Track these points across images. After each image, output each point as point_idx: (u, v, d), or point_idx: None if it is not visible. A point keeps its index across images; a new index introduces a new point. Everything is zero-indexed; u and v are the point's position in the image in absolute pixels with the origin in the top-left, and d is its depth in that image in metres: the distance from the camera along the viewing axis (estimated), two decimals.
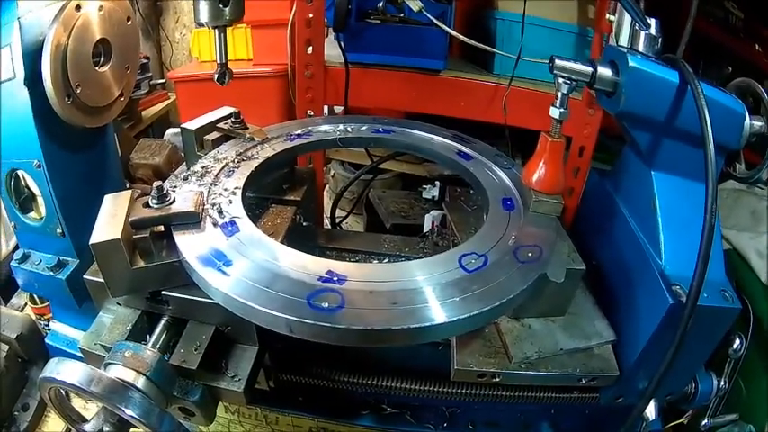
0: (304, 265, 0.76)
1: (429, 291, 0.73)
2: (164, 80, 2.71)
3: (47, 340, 1.10)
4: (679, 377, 1.02)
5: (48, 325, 1.18)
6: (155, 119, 2.60)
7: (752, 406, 1.24)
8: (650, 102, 0.92)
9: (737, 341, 1.15)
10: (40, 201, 1.02)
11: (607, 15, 1.18)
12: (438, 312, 0.70)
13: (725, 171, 1.08)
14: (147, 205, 0.86)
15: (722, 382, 1.11)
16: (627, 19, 1.14)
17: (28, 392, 1.19)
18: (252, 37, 1.81)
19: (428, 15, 1.15)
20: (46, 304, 1.26)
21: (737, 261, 1.27)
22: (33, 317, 1.28)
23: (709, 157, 0.83)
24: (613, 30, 1.18)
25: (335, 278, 0.74)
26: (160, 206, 0.85)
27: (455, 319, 0.70)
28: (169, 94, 2.76)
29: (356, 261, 1.08)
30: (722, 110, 0.95)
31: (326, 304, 0.70)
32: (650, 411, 0.98)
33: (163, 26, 3.19)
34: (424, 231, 1.18)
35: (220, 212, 0.85)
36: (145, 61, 2.28)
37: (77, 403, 1.05)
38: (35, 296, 1.31)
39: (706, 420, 1.16)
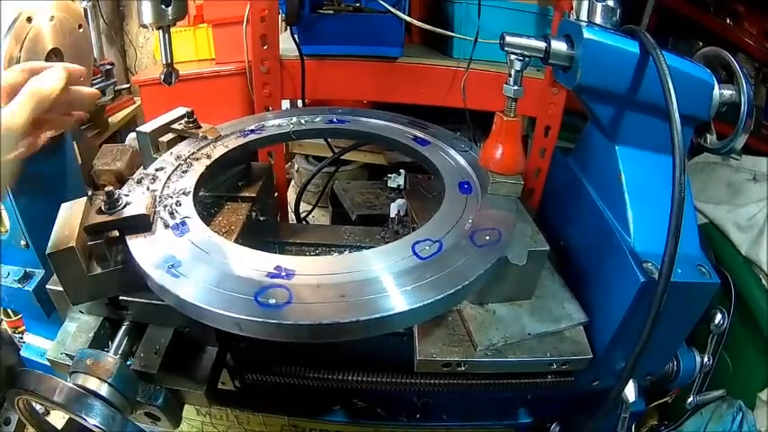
0: (252, 261, 0.72)
1: (380, 281, 0.68)
2: (128, 85, 2.64)
3: (21, 353, 1.06)
4: (658, 356, 0.96)
5: (22, 338, 1.15)
6: (122, 125, 2.53)
7: (739, 381, 1.17)
8: (609, 74, 0.87)
9: (719, 316, 1.09)
10: (4, 213, 0.99)
11: None
12: (389, 302, 0.66)
13: (696, 143, 1.02)
14: (100, 211, 0.83)
15: (706, 359, 1.05)
16: None
17: (9, 406, 1.16)
18: (213, 36, 1.76)
19: (382, 3, 1.09)
20: (19, 317, 1.23)
21: (716, 234, 1.21)
22: (9, 330, 1.25)
23: (674, 127, 0.78)
24: (574, 7, 1.12)
25: (284, 273, 0.70)
26: (112, 211, 0.81)
27: (408, 308, 0.66)
28: (135, 98, 2.68)
29: (316, 254, 1.03)
30: (689, 79, 0.89)
31: (274, 300, 0.66)
32: (630, 393, 0.92)
33: (126, 31, 3.13)
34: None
35: (171, 213, 0.81)
36: (109, 67, 2.21)
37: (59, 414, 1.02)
38: (8, 310, 1.28)
39: (691, 398, 1.09)
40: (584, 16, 1.08)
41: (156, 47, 2.02)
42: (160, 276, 0.72)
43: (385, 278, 0.69)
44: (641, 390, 0.97)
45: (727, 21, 1.47)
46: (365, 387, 0.83)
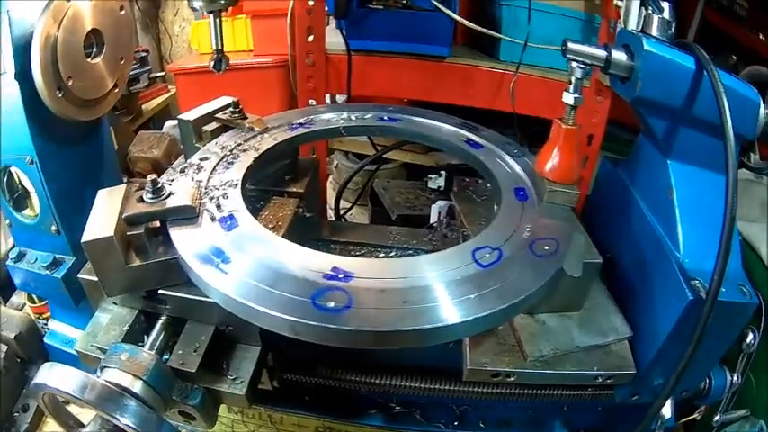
0: (307, 261, 0.68)
1: (442, 288, 0.65)
2: (163, 73, 2.58)
3: (45, 340, 1.01)
4: (695, 374, 0.94)
5: (47, 324, 1.10)
6: (155, 112, 2.47)
7: (762, 401, 1.15)
8: (667, 87, 0.84)
9: (750, 335, 1.07)
10: (35, 198, 0.94)
11: (614, 1, 1.10)
12: (452, 312, 0.62)
13: (739, 161, 0.99)
14: (141, 200, 0.78)
15: (735, 378, 1.03)
16: (635, 4, 1.05)
17: (28, 393, 1.11)
18: (252, 27, 1.71)
19: (433, 1, 1.05)
20: (44, 303, 1.18)
21: (747, 253, 1.19)
22: (32, 316, 1.19)
23: (728, 146, 0.75)
24: (621, 15, 1.09)
25: (341, 275, 0.66)
26: (155, 200, 0.76)
27: (471, 318, 0.62)
28: (169, 87, 2.61)
29: (362, 254, 0.99)
30: (738, 98, 0.86)
31: (332, 304, 0.62)
32: (666, 410, 0.90)
33: (161, 19, 3.06)
34: (431, 222, 1.09)
35: (218, 206, 0.76)
36: (144, 54, 2.16)
37: (75, 406, 0.97)
38: (33, 295, 1.22)
39: (718, 416, 1.07)
40: (632, 26, 1.06)
41: (192, 36, 1.97)
42: (207, 272, 0.68)
43: (447, 285, 0.65)
44: (676, 406, 0.95)
45: (760, 36, 1.45)
46: (408, 392, 0.80)
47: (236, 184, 0.79)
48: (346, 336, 0.60)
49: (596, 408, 0.94)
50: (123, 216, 0.75)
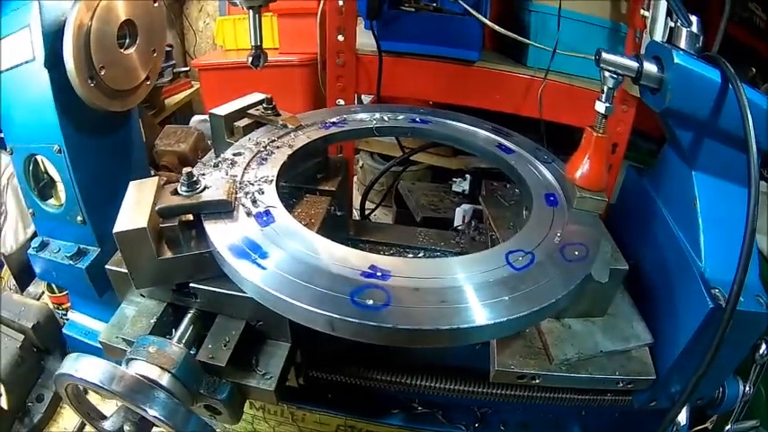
0: (345, 258, 0.69)
1: (477, 289, 0.66)
2: (187, 68, 2.59)
3: (64, 330, 1.02)
4: (711, 382, 0.97)
5: (65, 314, 1.10)
6: (178, 107, 2.49)
7: None
8: (694, 100, 0.86)
9: (764, 346, 1.09)
10: (60, 187, 0.94)
11: (641, 11, 1.12)
12: (488, 313, 0.64)
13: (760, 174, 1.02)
14: (175, 192, 0.79)
15: (748, 388, 1.05)
16: (661, 15, 1.07)
17: (43, 383, 1.11)
18: (278, 26, 1.73)
19: (463, 4, 1.08)
20: (64, 293, 1.18)
21: (761, 264, 1.22)
22: (51, 306, 1.19)
23: (751, 160, 0.78)
24: (647, 26, 1.11)
25: (379, 273, 0.67)
26: (190, 194, 0.77)
27: (506, 319, 0.64)
28: (192, 82, 2.64)
29: (391, 254, 1.01)
30: (762, 112, 0.89)
31: (371, 301, 0.63)
32: (682, 417, 0.92)
33: (186, 15, 3.08)
34: (455, 225, 1.11)
35: (254, 201, 0.77)
36: (168, 49, 2.17)
37: (93, 397, 0.97)
38: (53, 285, 1.22)
39: (729, 426, 1.10)
40: (657, 37, 1.08)
41: (216, 33, 1.98)
42: (244, 266, 0.69)
43: (482, 287, 0.67)
44: (690, 414, 0.98)
45: None
46: (434, 393, 0.81)
47: (272, 180, 0.80)
48: (384, 333, 0.62)
49: (613, 413, 0.97)
50: (157, 208, 0.76)
